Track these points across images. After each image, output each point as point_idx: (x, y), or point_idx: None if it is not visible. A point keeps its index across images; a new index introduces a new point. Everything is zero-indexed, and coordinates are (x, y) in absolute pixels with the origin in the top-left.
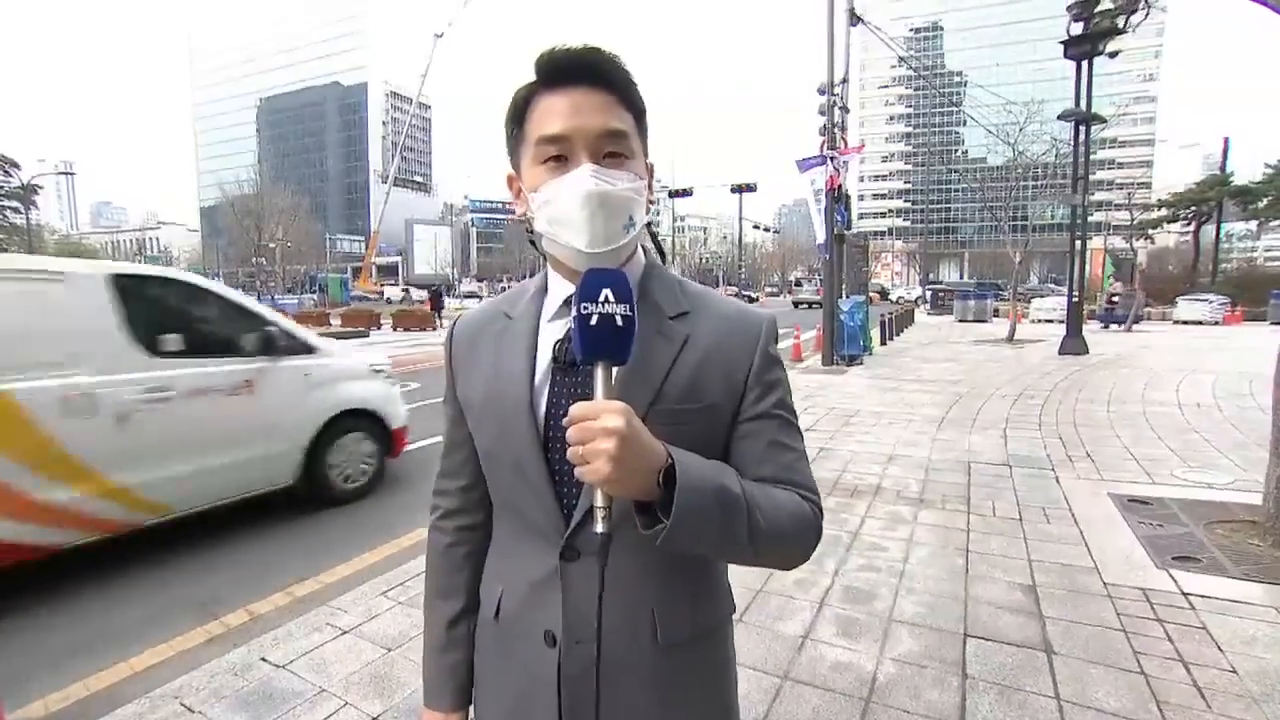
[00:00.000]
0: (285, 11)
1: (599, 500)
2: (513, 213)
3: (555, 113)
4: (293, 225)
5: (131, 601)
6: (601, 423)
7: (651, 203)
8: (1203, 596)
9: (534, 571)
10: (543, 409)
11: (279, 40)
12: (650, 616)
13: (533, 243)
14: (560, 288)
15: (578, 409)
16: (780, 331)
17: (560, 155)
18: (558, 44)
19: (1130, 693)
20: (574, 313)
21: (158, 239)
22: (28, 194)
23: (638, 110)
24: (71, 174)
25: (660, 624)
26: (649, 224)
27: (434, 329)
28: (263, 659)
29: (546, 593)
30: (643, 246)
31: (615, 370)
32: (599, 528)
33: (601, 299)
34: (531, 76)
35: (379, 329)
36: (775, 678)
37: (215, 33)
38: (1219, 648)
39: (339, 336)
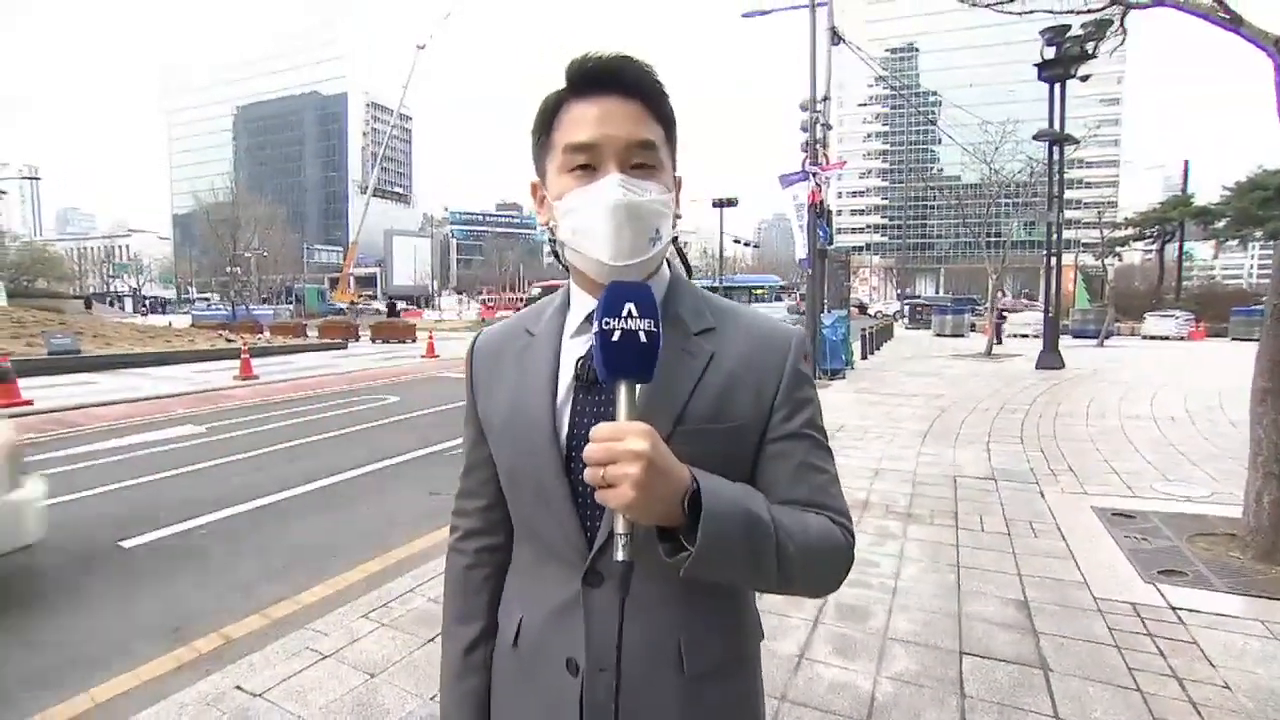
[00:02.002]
0: (264, 20)
1: (620, 526)
2: (492, 224)
3: (584, 121)
4: (269, 235)
5: (94, 626)
6: (625, 445)
7: (679, 216)
8: (1191, 610)
9: (555, 596)
10: (565, 429)
11: (257, 48)
12: (676, 645)
13: (555, 254)
14: (583, 302)
15: (600, 430)
16: None
17: (587, 164)
18: (589, 52)
19: (1128, 711)
20: (595, 328)
21: (127, 246)
22: None
23: (668, 122)
24: (36, 179)
25: (686, 653)
26: (674, 237)
27: (413, 340)
28: (237, 687)
29: (568, 619)
30: (668, 260)
31: (639, 389)
32: (619, 555)
33: (625, 314)
34: (554, 84)
35: (357, 341)
36: (773, 699)
37: (193, 40)
38: (1210, 663)
39: (316, 349)
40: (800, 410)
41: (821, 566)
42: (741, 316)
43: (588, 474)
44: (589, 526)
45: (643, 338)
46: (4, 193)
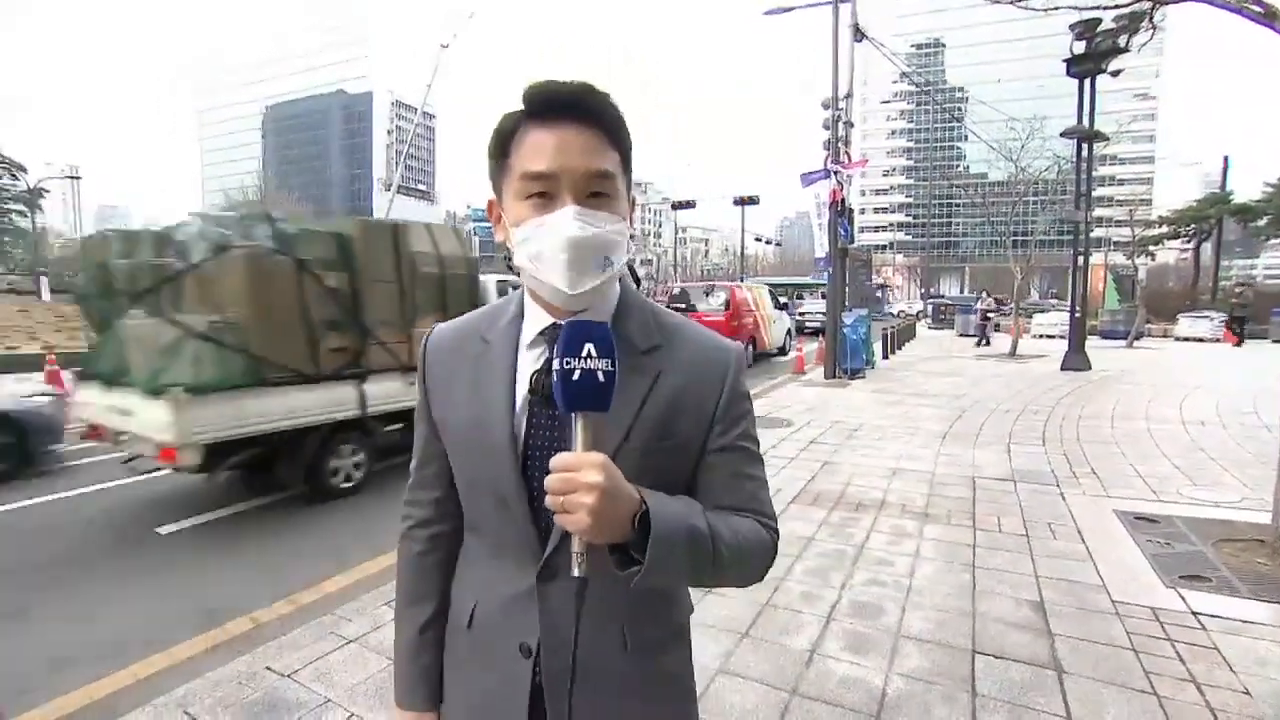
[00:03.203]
0: (292, 20)
1: (576, 546)
2: None
3: (542, 150)
4: None
5: (133, 608)
6: (583, 476)
7: (632, 235)
8: (1213, 616)
9: (510, 588)
10: (521, 437)
11: (285, 48)
12: (620, 628)
13: (509, 265)
14: (536, 316)
15: (559, 460)
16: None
17: (545, 192)
18: (548, 78)
19: (1143, 715)
20: (556, 366)
21: None
22: (34, 197)
23: (624, 149)
24: (77, 178)
25: (629, 634)
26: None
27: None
28: (268, 668)
29: (523, 608)
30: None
31: (594, 415)
32: (576, 572)
33: (584, 354)
34: (519, 104)
35: None
36: (784, 692)
37: (223, 39)
38: (1231, 669)
39: None
40: (736, 424)
41: (749, 564)
42: (687, 333)
43: (548, 500)
44: (544, 527)
45: (600, 377)
46: (47, 191)
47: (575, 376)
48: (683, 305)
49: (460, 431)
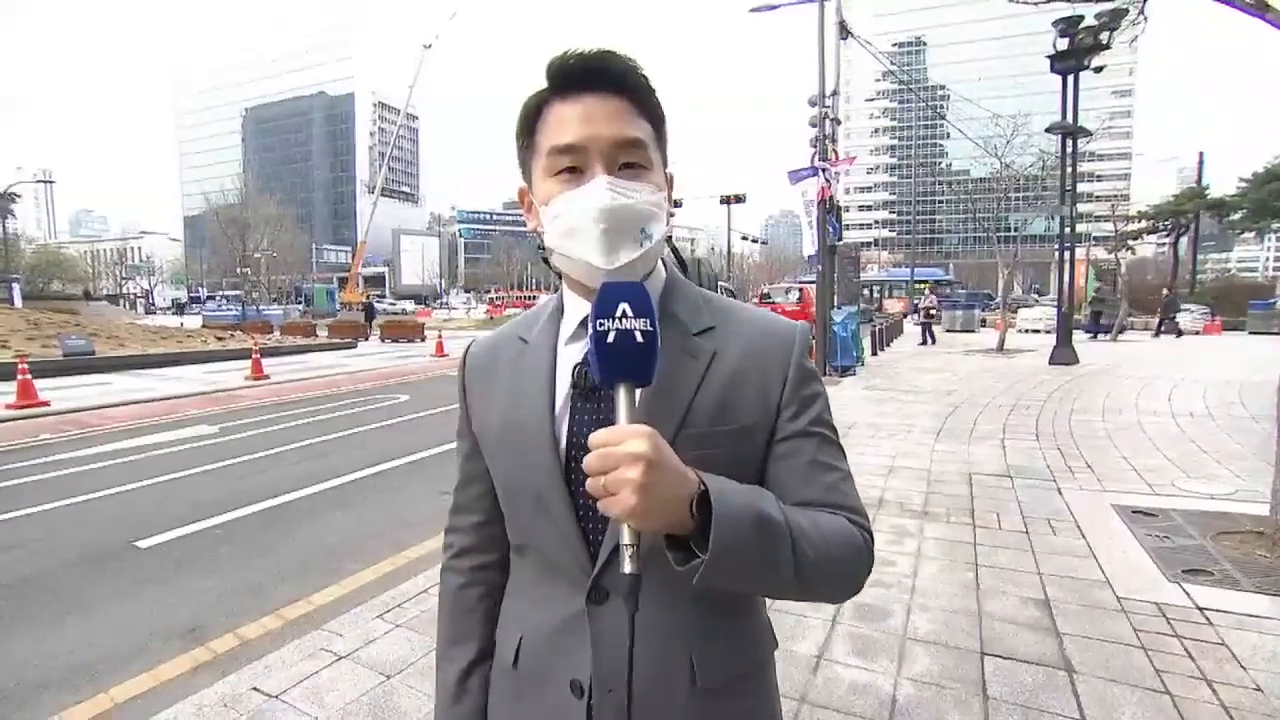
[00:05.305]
0: (272, 22)
1: (626, 537)
2: (500, 223)
3: (568, 121)
4: (278, 235)
5: (111, 627)
6: (625, 448)
7: (671, 214)
8: (1218, 611)
9: (557, 615)
10: (564, 439)
11: (265, 50)
12: (688, 659)
13: (545, 260)
14: (576, 308)
15: (598, 436)
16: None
17: (574, 166)
18: (569, 48)
19: (1158, 714)
20: (590, 330)
21: (139, 248)
22: (5, 202)
23: (656, 118)
24: (50, 182)
25: (698, 667)
26: (668, 236)
27: (421, 339)
28: (254, 688)
29: (572, 639)
30: (663, 259)
31: (639, 392)
32: (627, 568)
33: (619, 314)
34: (541, 83)
35: (366, 340)
36: (793, 700)
37: (201, 42)
38: (1241, 665)
39: (325, 348)
40: (808, 407)
41: (840, 569)
42: (742, 314)
43: (589, 484)
44: (592, 541)
45: (639, 337)
46: (18, 196)
47: (611, 339)
48: (770, 301)
49: (498, 435)
